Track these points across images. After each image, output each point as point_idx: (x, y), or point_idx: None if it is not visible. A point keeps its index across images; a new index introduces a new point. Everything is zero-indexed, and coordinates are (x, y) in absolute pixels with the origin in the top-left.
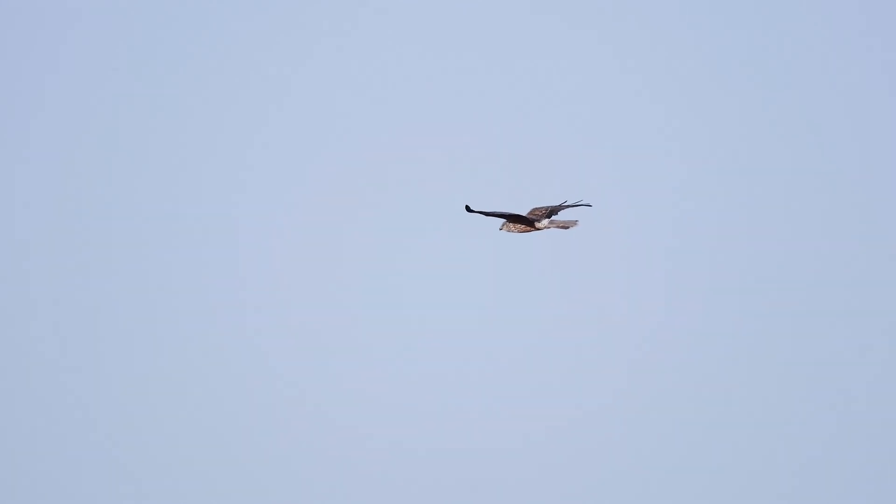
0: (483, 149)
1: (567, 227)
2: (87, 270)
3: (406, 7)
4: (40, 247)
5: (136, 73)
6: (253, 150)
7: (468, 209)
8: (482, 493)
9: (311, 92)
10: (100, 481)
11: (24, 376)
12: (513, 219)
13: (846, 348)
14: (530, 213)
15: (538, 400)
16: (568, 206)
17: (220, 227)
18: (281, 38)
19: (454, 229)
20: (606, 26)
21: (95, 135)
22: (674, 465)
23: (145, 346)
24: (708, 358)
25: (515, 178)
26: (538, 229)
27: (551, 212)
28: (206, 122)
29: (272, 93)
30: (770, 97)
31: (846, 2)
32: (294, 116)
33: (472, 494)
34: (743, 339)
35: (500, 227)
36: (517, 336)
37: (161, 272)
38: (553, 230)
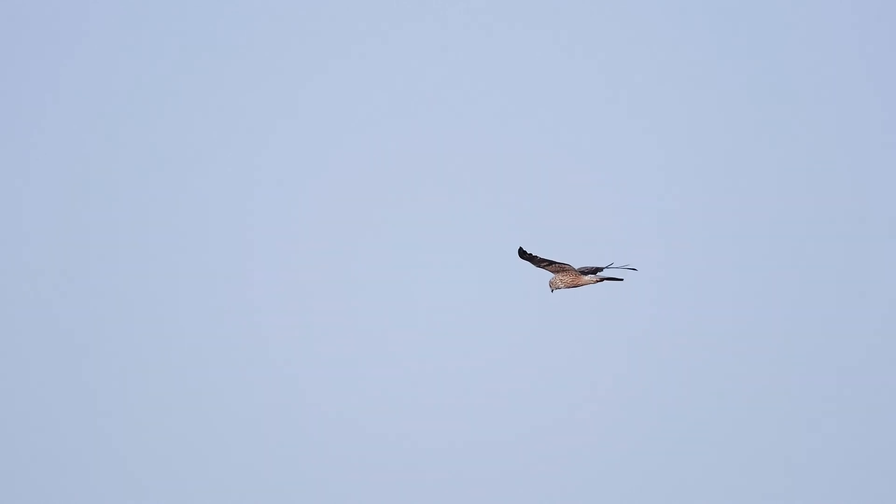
0: (489, 154)
1: (617, 280)
2: (93, 271)
3: (430, 14)
4: (46, 246)
5: (149, 73)
6: (267, 149)
7: (522, 254)
8: (483, 492)
9: (319, 96)
10: (105, 481)
11: (28, 375)
12: (562, 269)
13: (843, 365)
14: (579, 269)
15: (540, 400)
16: (614, 269)
17: (227, 228)
18: (299, 39)
19: (471, 242)
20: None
21: (103, 134)
22: (670, 466)
23: (152, 347)
24: (704, 364)
25: (517, 184)
26: (587, 283)
27: (596, 271)
28: (217, 122)
29: (285, 94)
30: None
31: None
32: (306, 120)
33: (473, 493)
34: (741, 349)
35: (551, 289)
36: (521, 339)
37: (169, 273)
38: (602, 284)
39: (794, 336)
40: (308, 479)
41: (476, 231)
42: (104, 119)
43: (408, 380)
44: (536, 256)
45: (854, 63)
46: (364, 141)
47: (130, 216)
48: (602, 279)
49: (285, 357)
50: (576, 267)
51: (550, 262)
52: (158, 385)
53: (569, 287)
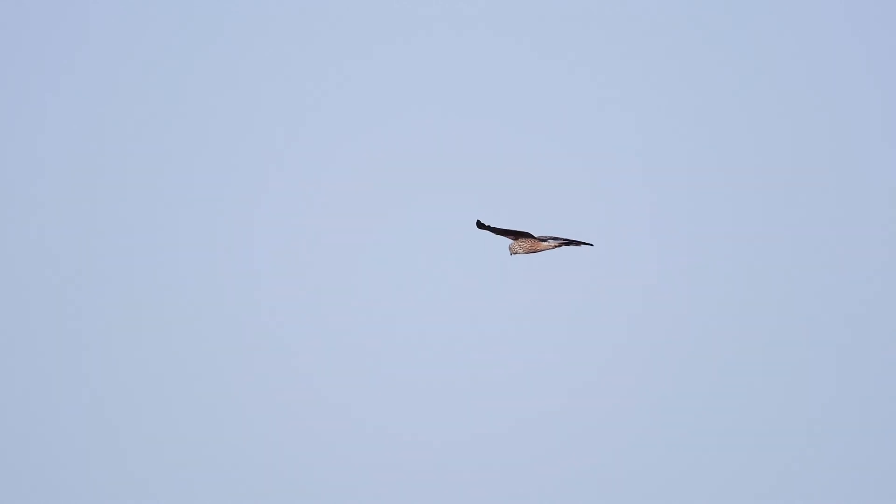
0: (489, 155)
1: (579, 245)
2: (101, 268)
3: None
4: (52, 245)
5: (156, 74)
6: (272, 150)
7: (479, 225)
8: (481, 487)
9: (323, 95)
10: (109, 480)
11: (30, 374)
12: (521, 236)
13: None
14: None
15: (541, 394)
16: (572, 242)
17: (234, 227)
18: (302, 41)
19: (460, 236)
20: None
21: (111, 133)
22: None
23: (157, 346)
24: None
25: (515, 182)
26: (546, 248)
27: (558, 241)
28: (222, 123)
29: (290, 95)
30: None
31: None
32: (310, 121)
33: (471, 487)
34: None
35: (510, 253)
36: (519, 334)
37: (176, 272)
38: (562, 249)
39: (790, 331)
40: (311, 475)
41: (474, 228)
42: (112, 117)
43: (410, 377)
44: (495, 228)
45: (851, 59)
46: (365, 142)
47: (137, 216)
48: (561, 244)
49: (289, 354)
50: (536, 235)
51: (509, 232)
52: (165, 383)
53: (528, 252)
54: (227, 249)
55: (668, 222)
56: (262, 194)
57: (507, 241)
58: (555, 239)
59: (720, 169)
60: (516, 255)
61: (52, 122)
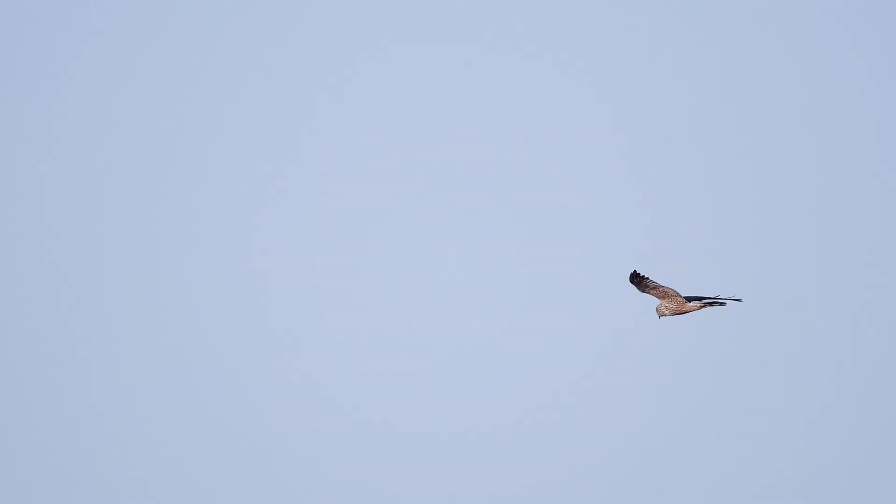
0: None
1: (720, 304)
2: (102, 268)
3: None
4: (56, 239)
5: (160, 75)
6: (277, 152)
7: (634, 276)
8: (481, 485)
9: (325, 101)
10: (113, 480)
11: (35, 371)
12: (666, 295)
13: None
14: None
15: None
16: (721, 301)
17: (238, 227)
18: (311, 43)
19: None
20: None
21: (117, 134)
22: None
23: (162, 345)
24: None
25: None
26: (692, 310)
27: (702, 299)
28: (229, 125)
29: (297, 96)
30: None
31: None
32: (312, 124)
33: (471, 485)
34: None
35: (658, 315)
36: (529, 333)
37: (180, 272)
38: (707, 309)
39: (789, 330)
40: (312, 474)
41: (483, 231)
42: (118, 119)
43: (411, 377)
44: (646, 279)
45: (850, 59)
46: (364, 143)
47: (139, 219)
48: (706, 304)
49: (294, 353)
50: (682, 294)
51: (656, 287)
52: (168, 382)
53: (674, 314)
54: (230, 251)
55: (664, 221)
56: (265, 197)
57: (653, 299)
58: (700, 300)
59: (716, 169)
60: (664, 316)
61: (54, 124)
